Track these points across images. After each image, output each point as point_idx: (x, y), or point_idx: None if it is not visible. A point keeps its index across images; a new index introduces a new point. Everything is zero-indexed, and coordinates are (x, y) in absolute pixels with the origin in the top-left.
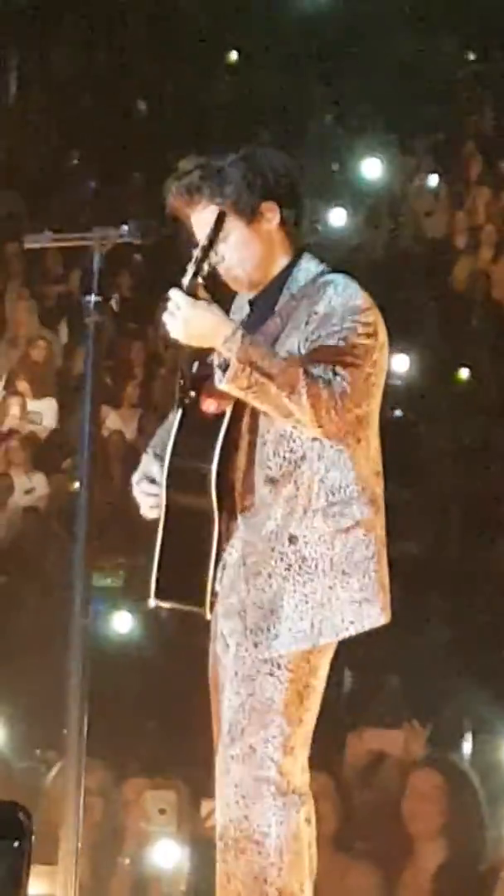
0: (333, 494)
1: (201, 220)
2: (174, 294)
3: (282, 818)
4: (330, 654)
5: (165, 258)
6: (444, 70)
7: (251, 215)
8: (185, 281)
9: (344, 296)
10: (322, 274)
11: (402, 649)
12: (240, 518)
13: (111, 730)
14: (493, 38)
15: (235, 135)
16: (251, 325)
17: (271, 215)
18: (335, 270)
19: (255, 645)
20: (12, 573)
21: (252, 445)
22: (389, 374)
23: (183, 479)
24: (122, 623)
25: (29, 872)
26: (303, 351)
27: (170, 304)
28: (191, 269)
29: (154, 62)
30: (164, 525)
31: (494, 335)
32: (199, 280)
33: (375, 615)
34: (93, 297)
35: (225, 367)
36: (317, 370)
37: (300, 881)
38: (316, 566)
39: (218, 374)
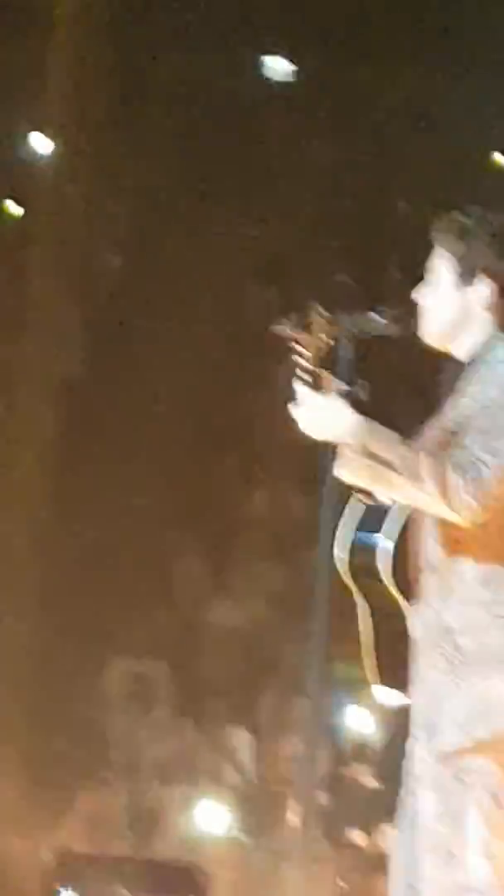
0: (493, 582)
1: (432, 264)
2: (298, 387)
3: None
4: None
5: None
6: None
7: (464, 279)
8: (308, 376)
9: (502, 377)
10: (499, 350)
11: None
12: (412, 605)
13: None
14: None
15: None
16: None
17: (483, 289)
18: None
19: (422, 741)
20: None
21: (421, 530)
22: None
23: (364, 569)
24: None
25: None
26: (452, 428)
27: (297, 397)
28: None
29: (415, 156)
30: (364, 612)
31: None
32: (324, 373)
33: None
34: (343, 386)
35: None
36: (454, 453)
37: None
38: (474, 658)
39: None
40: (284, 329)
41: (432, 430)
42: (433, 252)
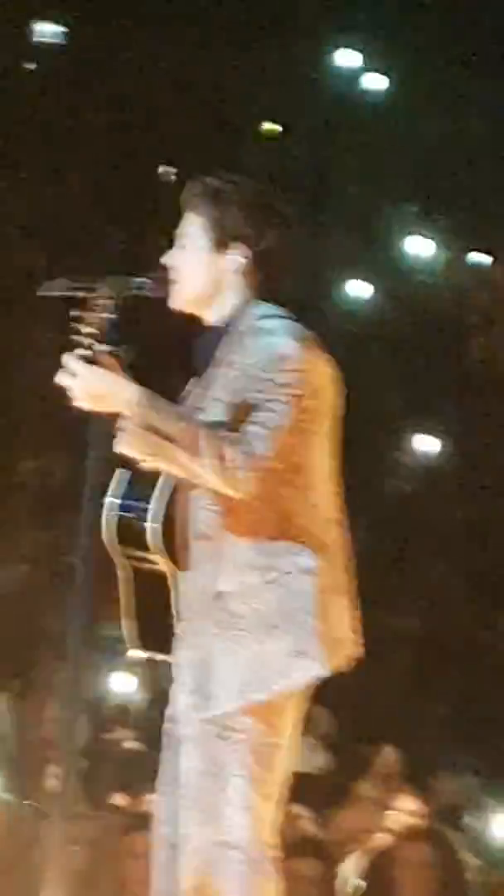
0: (264, 547)
1: (183, 228)
2: (69, 360)
3: (246, 884)
4: (290, 712)
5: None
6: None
7: (217, 244)
8: (83, 349)
9: (268, 346)
10: (260, 319)
11: (402, 721)
12: (180, 573)
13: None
14: None
15: None
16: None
17: (236, 256)
18: (278, 316)
19: (195, 706)
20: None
21: (188, 499)
22: (410, 452)
23: (129, 536)
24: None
25: None
26: (225, 401)
27: (67, 369)
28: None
29: (183, 125)
30: (124, 576)
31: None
32: (104, 348)
33: (307, 667)
34: (104, 347)
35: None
36: (226, 429)
37: None
38: (246, 622)
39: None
40: (52, 287)
41: (204, 402)
42: (185, 216)
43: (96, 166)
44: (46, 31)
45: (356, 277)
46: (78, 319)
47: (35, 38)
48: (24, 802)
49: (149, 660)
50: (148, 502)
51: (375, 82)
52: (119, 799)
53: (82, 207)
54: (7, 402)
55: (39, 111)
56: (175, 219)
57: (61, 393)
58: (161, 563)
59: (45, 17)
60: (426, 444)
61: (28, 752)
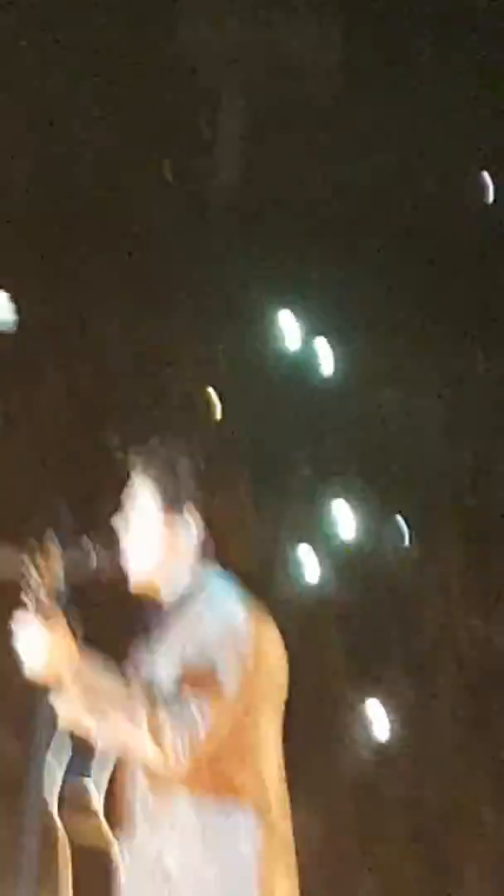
0: (207, 819)
1: (134, 493)
2: (23, 619)
3: None
4: None
5: None
6: None
7: (169, 510)
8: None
9: (219, 619)
10: (212, 590)
11: None
12: (124, 839)
13: None
14: None
15: None
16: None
17: (190, 521)
18: (230, 586)
19: None
20: None
21: (128, 764)
22: (361, 724)
23: (72, 799)
24: None
25: None
26: (172, 671)
27: (19, 628)
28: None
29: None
30: (66, 851)
31: None
32: (52, 606)
33: None
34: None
35: None
36: (171, 708)
37: None
38: (185, 886)
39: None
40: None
41: (152, 668)
42: (133, 480)
43: (41, 433)
44: None
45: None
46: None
47: None
48: None
49: None
50: (89, 765)
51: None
52: None
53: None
54: None
55: None
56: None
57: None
58: (104, 827)
59: None
60: (376, 717)
61: None
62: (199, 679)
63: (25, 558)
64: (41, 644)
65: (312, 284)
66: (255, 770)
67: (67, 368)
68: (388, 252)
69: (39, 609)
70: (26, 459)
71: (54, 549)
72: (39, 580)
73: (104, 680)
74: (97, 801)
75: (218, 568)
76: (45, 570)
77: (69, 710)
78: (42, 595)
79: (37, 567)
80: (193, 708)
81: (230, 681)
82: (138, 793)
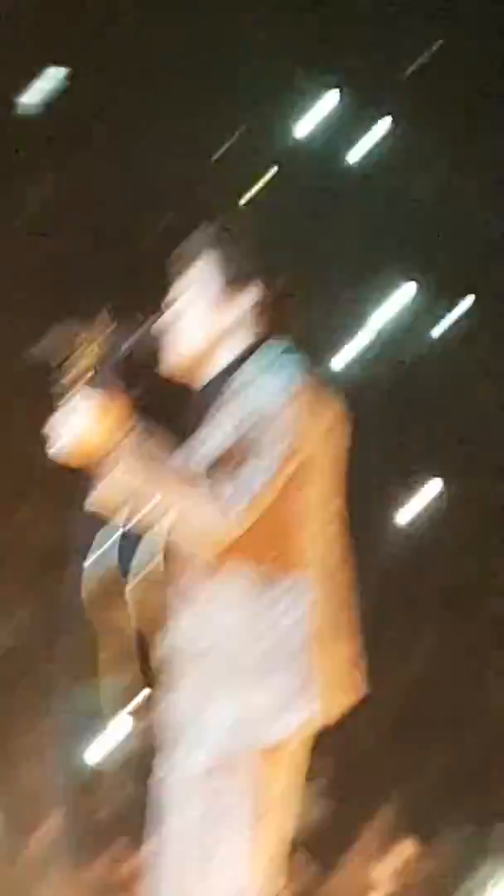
0: (257, 592)
1: (189, 275)
2: (63, 403)
3: None
4: (286, 762)
5: None
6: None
7: (225, 289)
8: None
9: (271, 388)
10: (268, 360)
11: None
12: (160, 630)
13: None
14: None
15: None
16: (190, 422)
17: (245, 299)
18: (287, 357)
19: (182, 760)
20: None
21: (170, 553)
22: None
23: (110, 590)
24: None
25: None
26: (222, 443)
27: (61, 412)
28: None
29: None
30: (105, 635)
31: None
32: (91, 388)
33: (299, 715)
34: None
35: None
36: (221, 470)
37: None
38: (236, 669)
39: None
40: (45, 348)
41: (203, 447)
42: (190, 262)
43: (81, 228)
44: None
45: (351, 336)
46: (69, 366)
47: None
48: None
49: (132, 718)
50: (130, 558)
51: (367, 140)
52: (103, 861)
53: (72, 264)
54: None
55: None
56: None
57: (47, 450)
58: (141, 620)
59: None
60: (428, 492)
61: (5, 819)
62: (251, 448)
63: (77, 338)
64: (85, 420)
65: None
66: (304, 542)
67: (119, 145)
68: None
69: (86, 385)
70: (78, 240)
71: (104, 327)
72: (86, 358)
73: (153, 461)
74: (133, 591)
75: (275, 344)
76: (93, 348)
77: (113, 490)
78: (88, 373)
79: (86, 345)
80: (245, 472)
81: (279, 447)
82: (182, 584)
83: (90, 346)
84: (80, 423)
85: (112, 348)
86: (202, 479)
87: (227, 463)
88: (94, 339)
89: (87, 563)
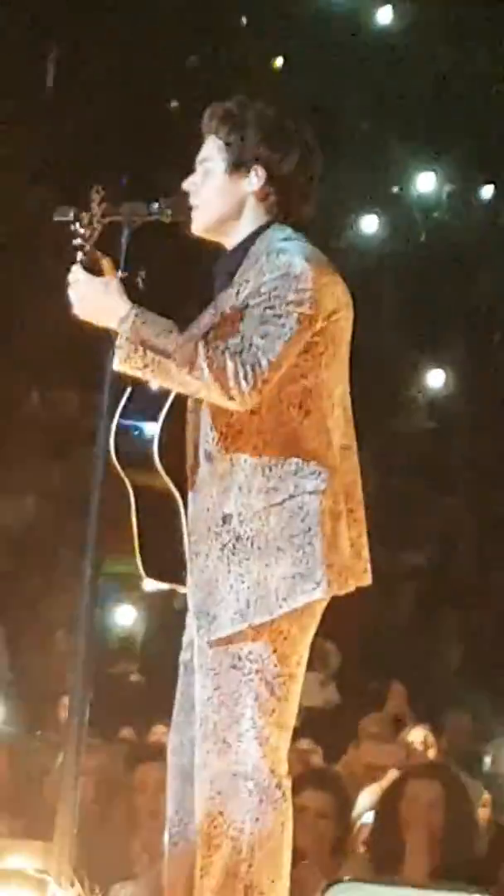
0: (270, 470)
1: (203, 152)
2: (74, 268)
3: (257, 814)
4: (302, 641)
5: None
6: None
7: (236, 168)
8: (82, 254)
9: (282, 265)
10: (277, 241)
11: (411, 657)
12: (189, 495)
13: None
14: None
15: None
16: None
17: (254, 178)
18: (295, 239)
19: (200, 630)
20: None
21: (197, 420)
22: (422, 388)
23: (133, 458)
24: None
25: None
26: (232, 315)
27: (70, 278)
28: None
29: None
30: (135, 503)
31: None
32: (99, 254)
33: (309, 590)
34: (119, 273)
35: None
36: (230, 341)
37: (271, 877)
38: (251, 544)
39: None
40: (67, 212)
41: (210, 319)
42: (205, 141)
43: (104, 101)
44: None
45: (365, 212)
46: (83, 236)
47: None
48: (35, 734)
49: (164, 587)
50: (156, 422)
51: (382, 14)
52: (129, 731)
53: (94, 140)
54: (20, 334)
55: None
56: (187, 149)
57: (75, 324)
58: (168, 485)
59: None
60: (434, 379)
61: (37, 684)
62: (260, 319)
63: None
64: (88, 291)
65: None
66: (315, 418)
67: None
68: None
69: (90, 258)
70: (91, 128)
71: (102, 201)
72: (88, 230)
73: (155, 327)
74: (157, 454)
75: (284, 224)
76: (93, 222)
77: (129, 365)
78: (89, 244)
79: (90, 216)
80: (255, 343)
81: (291, 322)
82: (204, 453)
83: (107, 216)
84: (88, 284)
85: (130, 230)
86: (206, 353)
87: (236, 331)
88: (111, 211)
89: (113, 426)
